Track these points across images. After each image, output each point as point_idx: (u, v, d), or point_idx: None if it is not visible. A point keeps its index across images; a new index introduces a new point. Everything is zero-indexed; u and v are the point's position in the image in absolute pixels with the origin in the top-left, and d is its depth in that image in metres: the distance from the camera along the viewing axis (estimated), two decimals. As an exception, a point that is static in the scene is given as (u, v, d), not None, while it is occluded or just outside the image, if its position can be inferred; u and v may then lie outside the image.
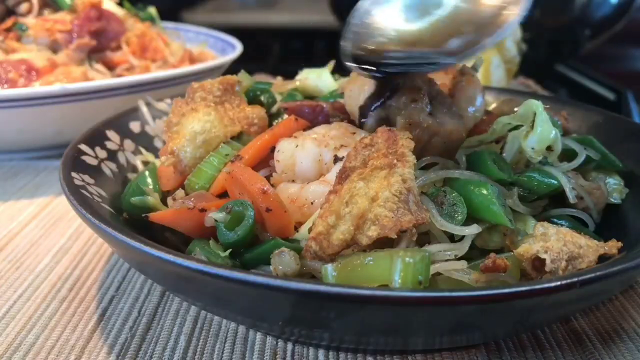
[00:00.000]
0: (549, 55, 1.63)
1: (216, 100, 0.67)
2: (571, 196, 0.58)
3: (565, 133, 0.72)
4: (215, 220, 0.53)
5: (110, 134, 0.73)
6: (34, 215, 0.82)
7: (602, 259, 0.53)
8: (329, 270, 0.47)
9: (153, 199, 0.60)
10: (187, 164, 0.63)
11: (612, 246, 0.53)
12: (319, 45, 2.43)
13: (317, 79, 0.81)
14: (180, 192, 0.61)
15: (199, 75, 1.04)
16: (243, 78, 0.73)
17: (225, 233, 0.53)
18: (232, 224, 0.53)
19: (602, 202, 0.62)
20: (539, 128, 0.59)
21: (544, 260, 0.50)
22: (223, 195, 0.60)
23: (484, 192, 0.54)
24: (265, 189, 0.53)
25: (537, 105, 0.60)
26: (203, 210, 0.55)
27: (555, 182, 0.59)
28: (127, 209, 0.62)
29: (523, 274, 0.52)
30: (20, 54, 1.04)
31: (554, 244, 0.51)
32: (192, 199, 0.58)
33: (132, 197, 0.61)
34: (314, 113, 0.66)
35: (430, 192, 0.55)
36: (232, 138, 0.66)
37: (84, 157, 0.66)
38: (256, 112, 0.69)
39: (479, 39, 0.52)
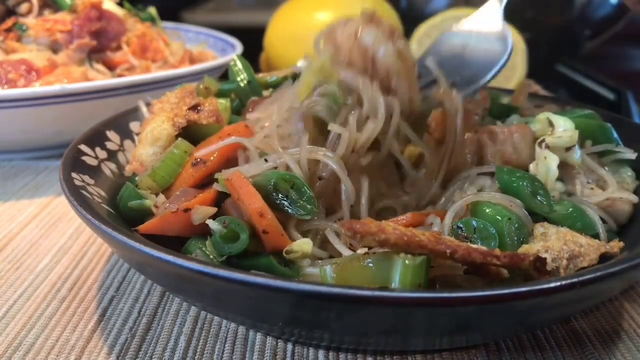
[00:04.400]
0: (549, 55, 1.63)
1: (172, 106, 0.70)
2: (604, 237, 0.57)
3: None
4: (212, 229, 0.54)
5: (110, 134, 0.73)
6: (34, 216, 0.82)
7: (603, 259, 0.53)
8: (328, 271, 0.47)
9: (150, 201, 0.60)
10: (148, 163, 0.65)
11: (614, 246, 0.53)
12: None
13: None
14: (161, 198, 0.60)
15: (199, 75, 1.04)
16: (209, 83, 0.75)
17: (219, 244, 0.53)
18: (228, 236, 0.53)
19: (623, 218, 0.62)
20: (559, 121, 0.62)
21: (545, 260, 0.50)
22: (199, 186, 0.61)
23: (507, 229, 0.53)
24: (262, 212, 0.52)
25: (544, 114, 0.64)
26: (187, 210, 0.55)
27: (592, 225, 0.57)
28: (125, 211, 0.61)
29: (524, 275, 0.52)
30: (21, 54, 1.04)
31: (555, 243, 0.52)
32: (174, 201, 0.58)
33: (128, 200, 0.60)
34: None
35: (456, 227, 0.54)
36: (184, 129, 0.67)
37: (84, 158, 0.66)
38: (207, 101, 0.70)
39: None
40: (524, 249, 0.52)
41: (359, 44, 0.57)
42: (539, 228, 0.54)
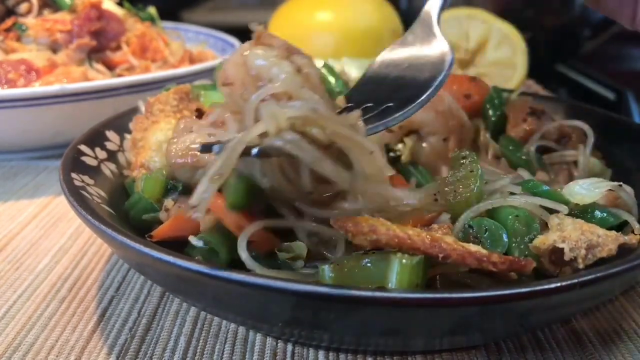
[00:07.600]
0: (549, 55, 1.63)
1: (174, 110, 0.69)
2: (637, 226, 0.56)
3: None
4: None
5: (110, 134, 0.73)
6: (33, 216, 0.82)
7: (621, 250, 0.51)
8: (326, 271, 0.47)
9: (164, 212, 0.59)
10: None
11: (633, 237, 0.52)
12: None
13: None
14: (169, 202, 0.60)
15: (198, 75, 1.04)
16: (201, 92, 0.75)
17: (206, 257, 0.52)
18: (212, 251, 0.52)
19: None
20: None
21: (562, 252, 0.49)
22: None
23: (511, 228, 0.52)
24: (241, 225, 0.51)
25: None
26: None
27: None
28: (136, 222, 0.60)
29: (540, 271, 0.51)
30: (20, 54, 1.03)
31: (571, 232, 0.50)
32: (181, 203, 0.57)
33: (143, 213, 0.60)
34: None
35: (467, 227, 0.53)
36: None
37: (84, 158, 0.66)
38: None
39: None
40: (539, 240, 0.50)
41: (249, 73, 0.54)
42: (554, 219, 0.53)
